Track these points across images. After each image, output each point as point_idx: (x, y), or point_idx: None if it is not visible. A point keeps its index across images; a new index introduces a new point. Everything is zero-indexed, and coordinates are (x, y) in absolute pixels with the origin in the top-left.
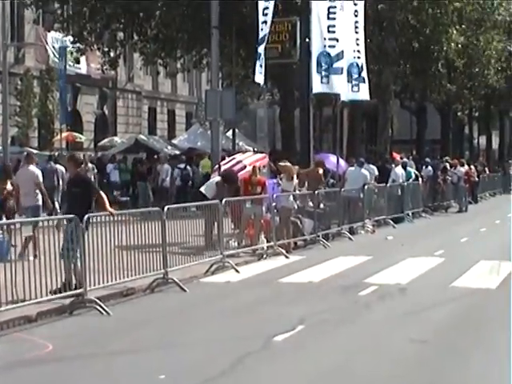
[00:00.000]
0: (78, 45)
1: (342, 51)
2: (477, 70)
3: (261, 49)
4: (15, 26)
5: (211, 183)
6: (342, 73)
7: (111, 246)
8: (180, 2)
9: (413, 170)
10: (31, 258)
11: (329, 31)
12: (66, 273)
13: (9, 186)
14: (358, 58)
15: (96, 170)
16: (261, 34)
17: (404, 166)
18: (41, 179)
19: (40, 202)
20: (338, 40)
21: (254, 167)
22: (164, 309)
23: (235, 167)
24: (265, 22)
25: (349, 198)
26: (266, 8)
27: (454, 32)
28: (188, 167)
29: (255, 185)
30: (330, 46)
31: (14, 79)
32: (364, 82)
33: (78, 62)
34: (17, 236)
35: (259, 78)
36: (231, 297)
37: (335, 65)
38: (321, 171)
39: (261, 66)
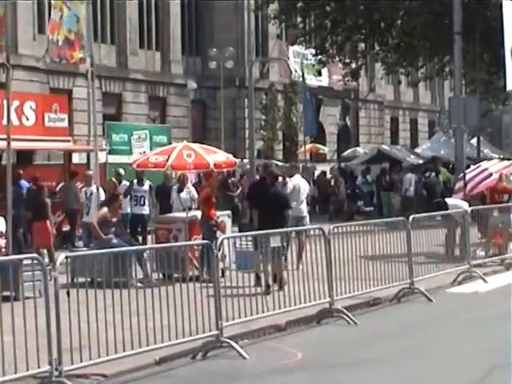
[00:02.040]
0: (319, 57)
1: None
2: None
3: (508, 53)
4: (259, 41)
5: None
6: None
7: (357, 256)
8: (421, 9)
9: None
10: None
11: None
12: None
13: None
14: None
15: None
16: (507, 38)
17: None
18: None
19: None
20: None
21: (500, 174)
22: (410, 319)
23: (481, 175)
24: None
25: None
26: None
27: None
28: (433, 175)
29: (501, 192)
30: None
31: (259, 94)
32: None
33: (319, 74)
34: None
35: (510, 83)
36: (479, 307)
37: None
38: None
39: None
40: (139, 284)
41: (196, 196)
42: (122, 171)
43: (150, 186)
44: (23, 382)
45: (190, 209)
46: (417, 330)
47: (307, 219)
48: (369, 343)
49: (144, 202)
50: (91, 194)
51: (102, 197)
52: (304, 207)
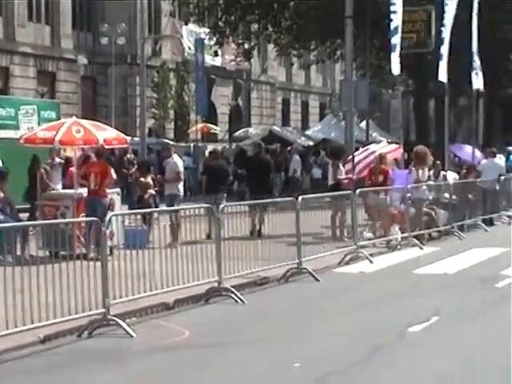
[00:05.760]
0: (215, 37)
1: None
2: None
3: (395, 39)
4: (152, 18)
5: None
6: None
7: (246, 236)
8: None
9: None
10: (175, 245)
11: None
12: None
13: (149, 180)
14: (473, 46)
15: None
16: (393, 25)
17: (508, 155)
18: (181, 169)
19: (179, 192)
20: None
21: (380, 155)
22: (298, 298)
23: (368, 158)
24: (394, 11)
25: (485, 190)
26: None
27: None
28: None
29: (379, 173)
30: None
31: (150, 72)
32: (478, 70)
33: (216, 54)
34: (155, 225)
35: (396, 68)
36: (365, 287)
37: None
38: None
39: (396, 56)
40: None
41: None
42: None
43: None
44: None
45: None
46: (303, 310)
47: (180, 197)
48: (257, 322)
49: None
50: None
51: None
52: (181, 186)
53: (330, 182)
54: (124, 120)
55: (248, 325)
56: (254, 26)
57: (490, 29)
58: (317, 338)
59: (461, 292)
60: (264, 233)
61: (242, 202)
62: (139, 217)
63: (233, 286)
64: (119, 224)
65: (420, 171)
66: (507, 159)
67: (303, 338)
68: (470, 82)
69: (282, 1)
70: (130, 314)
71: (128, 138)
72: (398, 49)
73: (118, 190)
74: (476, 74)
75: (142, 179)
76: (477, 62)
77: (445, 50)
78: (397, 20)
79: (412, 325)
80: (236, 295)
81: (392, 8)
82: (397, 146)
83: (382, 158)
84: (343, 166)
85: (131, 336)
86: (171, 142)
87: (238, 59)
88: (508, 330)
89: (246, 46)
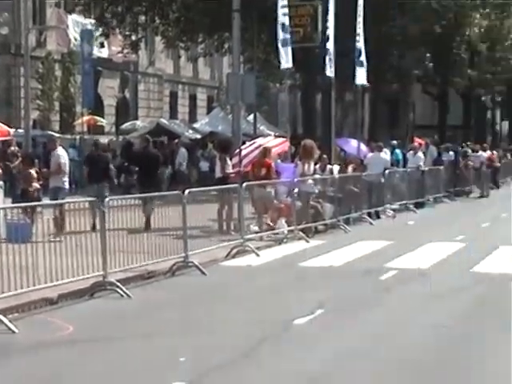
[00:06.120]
0: (101, 28)
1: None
2: (500, 54)
3: (284, 34)
4: (37, 8)
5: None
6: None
7: (132, 229)
8: None
9: (400, 153)
10: (59, 239)
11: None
12: None
13: (32, 172)
14: (358, 41)
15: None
16: (280, 19)
17: (392, 149)
18: (64, 161)
19: (63, 185)
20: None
21: (264, 149)
22: (184, 292)
23: (255, 151)
24: (282, 6)
25: (370, 183)
26: None
27: (478, 16)
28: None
29: (260, 166)
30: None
31: (35, 63)
32: (362, 65)
33: (102, 46)
34: (39, 218)
35: (286, 62)
36: (251, 280)
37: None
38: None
39: (288, 51)
40: None
41: None
42: None
43: None
44: None
45: None
46: (189, 303)
47: (65, 191)
48: (143, 316)
49: None
50: None
51: None
52: (66, 179)
53: (218, 175)
54: (8, 111)
55: (133, 319)
56: (141, 18)
57: (375, 25)
58: (203, 332)
59: (345, 284)
60: (152, 226)
61: (127, 196)
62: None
63: (118, 280)
64: (1, 217)
65: (306, 165)
66: (392, 153)
67: (189, 332)
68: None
69: None
70: (13, 310)
71: (12, 130)
72: (288, 43)
73: (1, 183)
74: (360, 69)
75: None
76: (361, 57)
77: (330, 44)
78: (284, 14)
79: (297, 317)
80: (122, 289)
81: (279, 2)
82: (284, 139)
83: (265, 151)
84: (230, 159)
85: (13, 332)
86: (56, 134)
87: (125, 51)
88: (390, 322)
89: (133, 37)
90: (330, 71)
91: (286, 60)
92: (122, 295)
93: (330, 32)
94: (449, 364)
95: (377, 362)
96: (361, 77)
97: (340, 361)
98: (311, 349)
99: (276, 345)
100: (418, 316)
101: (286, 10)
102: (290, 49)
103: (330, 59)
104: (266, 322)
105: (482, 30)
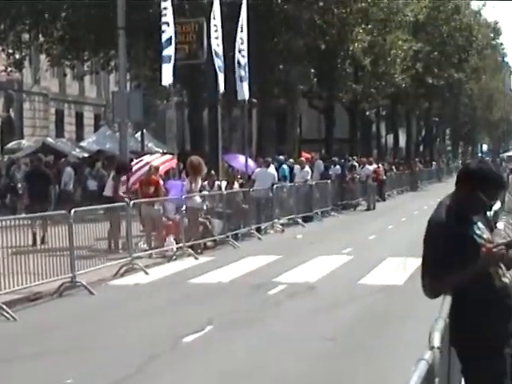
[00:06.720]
0: None
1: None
2: (383, 69)
3: (167, 51)
4: None
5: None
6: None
7: (17, 250)
8: (86, 2)
9: (286, 169)
10: None
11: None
12: None
13: None
14: (242, 56)
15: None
16: (164, 36)
17: (279, 165)
18: None
19: None
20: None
21: (150, 166)
22: (72, 313)
23: (143, 169)
24: (166, 23)
25: (258, 198)
26: (165, 8)
27: (360, 31)
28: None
29: (148, 184)
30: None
31: None
32: (244, 80)
33: None
34: None
35: (166, 79)
36: (140, 299)
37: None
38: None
39: (169, 67)
40: None
41: None
42: None
43: None
44: None
45: None
46: (77, 324)
47: None
48: (29, 339)
49: None
50: None
51: None
52: None
53: (107, 193)
54: None
55: (19, 342)
56: (25, 36)
57: (259, 40)
58: (90, 352)
59: (234, 300)
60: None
61: (12, 216)
62: None
63: (4, 303)
64: None
65: (194, 181)
66: (278, 168)
67: (77, 353)
68: None
69: (53, 10)
70: None
71: None
72: (172, 60)
73: None
74: (242, 84)
75: None
76: (243, 73)
77: (219, 60)
78: (169, 31)
79: (186, 335)
80: (7, 312)
81: (163, 19)
82: (171, 156)
83: (152, 168)
84: (127, 180)
85: None
86: None
87: (9, 69)
88: (278, 336)
89: (17, 55)
90: (221, 86)
91: (167, 76)
92: (8, 318)
93: (219, 48)
94: (336, 375)
95: (267, 377)
96: (243, 92)
97: (229, 377)
98: (200, 366)
99: (164, 363)
100: (307, 329)
101: (168, 27)
102: (171, 65)
103: (218, 75)
104: (154, 340)
105: (366, 45)
